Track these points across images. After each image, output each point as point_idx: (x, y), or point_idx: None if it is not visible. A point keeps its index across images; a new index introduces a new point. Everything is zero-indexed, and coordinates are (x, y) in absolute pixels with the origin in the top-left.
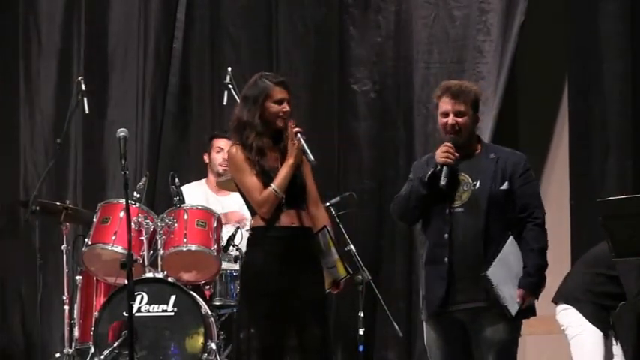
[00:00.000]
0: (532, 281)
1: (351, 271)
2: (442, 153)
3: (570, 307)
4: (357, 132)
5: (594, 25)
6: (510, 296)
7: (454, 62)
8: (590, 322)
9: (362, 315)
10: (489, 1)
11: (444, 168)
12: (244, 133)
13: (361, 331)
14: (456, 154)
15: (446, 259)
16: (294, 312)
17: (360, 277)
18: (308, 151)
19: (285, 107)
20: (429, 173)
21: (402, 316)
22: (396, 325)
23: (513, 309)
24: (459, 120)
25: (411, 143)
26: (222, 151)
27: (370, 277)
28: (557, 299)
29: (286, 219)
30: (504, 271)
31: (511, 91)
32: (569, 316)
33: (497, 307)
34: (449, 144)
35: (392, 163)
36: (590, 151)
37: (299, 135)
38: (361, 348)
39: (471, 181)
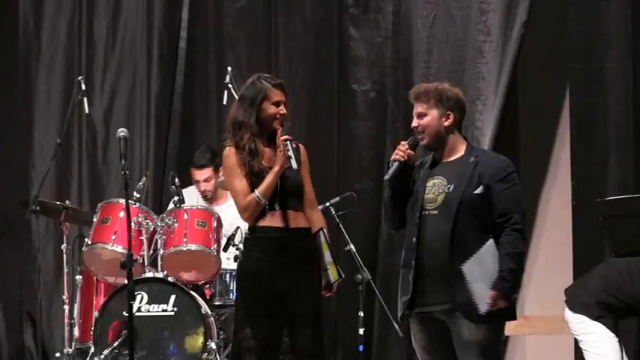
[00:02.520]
0: (505, 285)
1: (343, 275)
2: (395, 150)
3: (586, 319)
4: (356, 132)
5: (595, 25)
6: (481, 296)
7: (454, 62)
8: (609, 329)
9: (362, 315)
10: (489, 1)
11: (395, 164)
12: (239, 132)
13: (361, 331)
14: (409, 152)
15: (413, 262)
16: (289, 313)
17: (360, 277)
18: (293, 157)
19: (283, 110)
20: (387, 173)
21: None
22: (396, 325)
23: (483, 308)
24: (420, 122)
25: None
26: (200, 182)
27: (370, 277)
28: (573, 307)
29: (281, 220)
30: (479, 270)
31: (511, 91)
32: (585, 325)
33: (461, 309)
34: (404, 142)
35: None
36: (592, 151)
37: (287, 142)
38: (361, 348)
39: (445, 184)
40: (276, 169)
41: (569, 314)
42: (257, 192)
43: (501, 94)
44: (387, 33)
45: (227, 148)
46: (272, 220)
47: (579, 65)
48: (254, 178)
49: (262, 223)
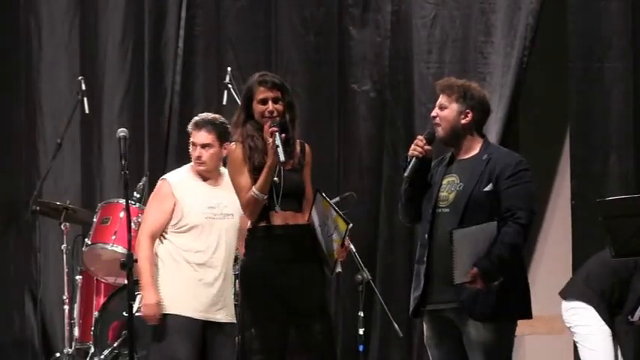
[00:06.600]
0: (486, 266)
1: (350, 223)
2: (412, 145)
3: (581, 305)
4: (357, 132)
5: (595, 25)
6: (461, 266)
7: (454, 62)
8: (604, 321)
9: (362, 315)
10: (490, 2)
11: (413, 160)
12: (236, 131)
13: (361, 331)
14: (427, 147)
15: (425, 258)
16: (296, 311)
17: (360, 277)
18: (280, 150)
19: (269, 107)
20: (407, 168)
21: (402, 316)
22: (396, 325)
23: (459, 279)
24: (440, 113)
25: (411, 143)
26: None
27: (370, 277)
28: (567, 296)
29: (280, 219)
30: (470, 242)
31: (513, 91)
32: (579, 315)
33: (465, 307)
34: (421, 136)
35: (392, 163)
36: (592, 151)
37: (275, 134)
38: (361, 348)
39: (458, 182)
40: (268, 162)
41: (564, 305)
42: (254, 189)
43: (506, 96)
44: (387, 33)
45: (233, 144)
46: (272, 221)
47: (579, 65)
48: (256, 173)
49: (262, 223)
